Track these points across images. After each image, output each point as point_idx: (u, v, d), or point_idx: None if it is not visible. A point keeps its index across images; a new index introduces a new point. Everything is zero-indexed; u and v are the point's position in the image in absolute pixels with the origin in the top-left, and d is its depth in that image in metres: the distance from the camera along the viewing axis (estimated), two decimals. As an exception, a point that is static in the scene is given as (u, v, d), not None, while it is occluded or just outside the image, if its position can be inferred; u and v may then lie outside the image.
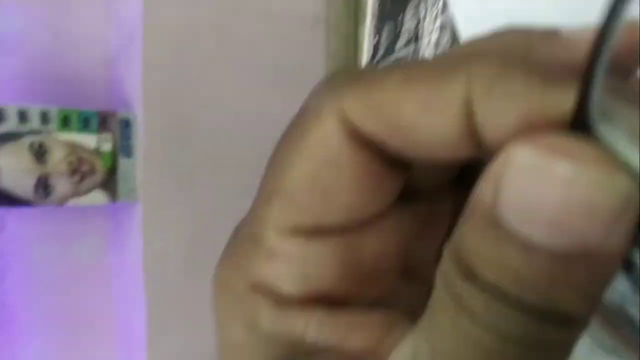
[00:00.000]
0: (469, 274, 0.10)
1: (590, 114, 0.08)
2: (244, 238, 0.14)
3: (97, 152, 1.12)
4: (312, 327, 0.12)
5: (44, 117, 1.09)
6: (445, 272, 0.10)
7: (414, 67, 0.13)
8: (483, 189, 0.10)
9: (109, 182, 1.12)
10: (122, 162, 1.12)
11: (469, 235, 0.10)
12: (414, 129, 0.11)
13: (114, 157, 1.12)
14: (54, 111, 1.09)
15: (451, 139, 0.11)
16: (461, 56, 0.12)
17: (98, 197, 1.09)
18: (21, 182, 1.02)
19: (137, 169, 1.12)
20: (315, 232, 0.12)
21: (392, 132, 0.12)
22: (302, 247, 0.13)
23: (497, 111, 0.10)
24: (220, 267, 0.14)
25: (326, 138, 0.12)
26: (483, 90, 0.10)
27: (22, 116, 1.06)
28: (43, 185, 1.03)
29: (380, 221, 0.13)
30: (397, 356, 0.11)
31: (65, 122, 1.10)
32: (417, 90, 0.11)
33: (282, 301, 0.12)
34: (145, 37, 1.17)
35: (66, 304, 1.04)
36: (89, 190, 1.09)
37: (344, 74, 0.13)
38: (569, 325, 0.10)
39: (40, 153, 1.06)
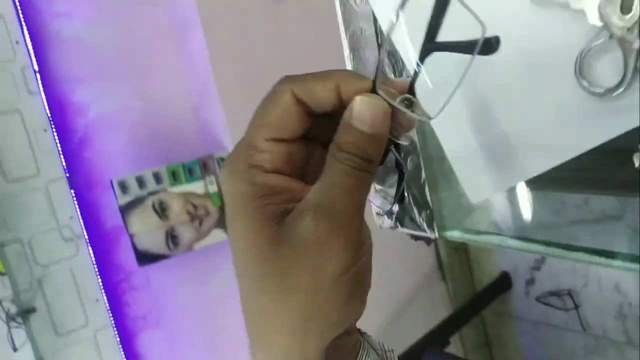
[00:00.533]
0: (340, 148, 0.26)
1: (375, 88, 0.27)
2: (243, 145, 0.27)
3: (206, 195, 1.25)
4: (277, 181, 0.27)
5: (157, 177, 1.24)
6: (330, 148, 0.26)
7: (322, 73, 0.28)
8: (345, 114, 0.27)
9: (224, 219, 1.24)
10: (229, 198, 1.24)
11: (341, 133, 0.26)
12: (319, 98, 0.27)
13: (220, 195, 1.24)
14: (163, 170, 1.24)
15: (331, 102, 0.27)
16: (336, 70, 0.28)
17: (218, 235, 1.23)
18: (153, 240, 1.18)
19: (242, 201, 1.24)
20: (279, 140, 0.27)
21: (311, 99, 0.27)
22: (274, 147, 0.27)
23: (350, 90, 0.27)
24: (228, 161, 0.27)
25: (286, 101, 0.27)
26: (345, 82, 0.27)
27: (140, 182, 1.22)
28: (171, 237, 1.19)
29: (303, 141, 0.29)
30: (312, 190, 0.26)
31: (174, 177, 1.25)
32: (320, 82, 0.27)
33: (266, 171, 0.27)
34: (217, 78, 1.27)
35: (218, 337, 1.19)
36: (208, 231, 1.23)
37: (293, 76, 0.28)
38: (373, 164, 0.27)
39: (162, 209, 1.21)
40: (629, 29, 0.26)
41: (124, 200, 1.19)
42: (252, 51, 1.29)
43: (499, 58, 0.33)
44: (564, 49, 0.30)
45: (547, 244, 0.36)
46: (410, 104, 0.28)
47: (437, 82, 0.30)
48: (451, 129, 0.38)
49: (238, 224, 0.26)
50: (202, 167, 1.26)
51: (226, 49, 1.28)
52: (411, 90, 0.28)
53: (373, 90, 0.27)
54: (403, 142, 0.29)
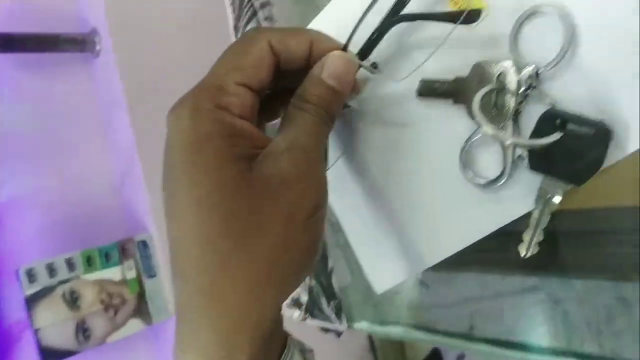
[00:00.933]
0: (305, 100, 0.27)
1: (347, 47, 0.29)
2: (209, 86, 0.26)
3: (123, 281, 1.17)
4: (244, 125, 0.26)
5: (70, 264, 1.15)
6: (294, 101, 0.28)
7: (296, 28, 0.32)
8: (315, 69, 0.28)
9: (141, 307, 1.16)
10: (148, 284, 1.16)
11: (308, 86, 0.28)
12: (294, 51, 0.28)
13: (139, 281, 1.17)
14: (77, 255, 1.15)
15: (304, 57, 0.28)
16: (308, 28, 0.31)
17: (134, 326, 1.13)
18: (61, 334, 1.07)
19: (164, 287, 1.17)
20: (248, 87, 0.27)
21: (286, 52, 0.28)
22: (243, 92, 0.26)
23: (322, 47, 0.29)
24: (189, 99, 0.26)
25: (262, 49, 0.27)
26: (318, 40, 0.29)
27: (50, 269, 1.12)
28: (82, 330, 1.08)
29: (259, 94, 0.28)
30: (277, 137, 0.27)
31: (89, 263, 1.16)
32: (296, 36, 0.28)
33: (233, 114, 0.26)
34: (142, 158, 1.23)
35: None
36: (124, 321, 1.14)
37: (267, 27, 0.31)
38: (333, 119, 0.28)
39: (73, 299, 1.11)
40: (501, 127, 0.27)
41: (30, 290, 1.08)
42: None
43: (391, 148, 0.34)
44: (449, 142, 0.30)
45: (450, 335, 0.35)
46: (375, 67, 0.30)
47: (392, 52, 0.32)
48: (354, 218, 0.38)
49: (200, 162, 0.24)
50: (120, 252, 1.19)
51: (151, 130, 1.26)
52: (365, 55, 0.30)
53: (344, 50, 0.29)
54: (353, 105, 0.31)
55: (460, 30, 0.28)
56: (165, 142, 0.26)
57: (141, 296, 1.16)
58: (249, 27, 0.42)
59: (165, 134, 0.27)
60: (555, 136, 0.24)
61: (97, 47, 1.26)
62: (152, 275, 1.18)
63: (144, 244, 1.21)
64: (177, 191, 0.24)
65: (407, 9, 0.29)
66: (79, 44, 1.27)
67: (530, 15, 0.26)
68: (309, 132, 0.27)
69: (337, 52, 0.28)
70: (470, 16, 0.26)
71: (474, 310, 0.35)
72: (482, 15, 0.27)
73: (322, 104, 0.27)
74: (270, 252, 0.24)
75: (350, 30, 0.29)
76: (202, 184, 0.24)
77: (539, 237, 0.27)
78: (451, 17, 0.27)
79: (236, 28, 0.44)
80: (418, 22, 0.30)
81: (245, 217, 0.24)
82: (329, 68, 0.28)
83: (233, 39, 0.46)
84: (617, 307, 0.27)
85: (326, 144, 0.30)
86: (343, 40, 0.29)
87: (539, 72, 0.26)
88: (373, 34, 0.30)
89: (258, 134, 0.27)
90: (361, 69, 0.30)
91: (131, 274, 1.17)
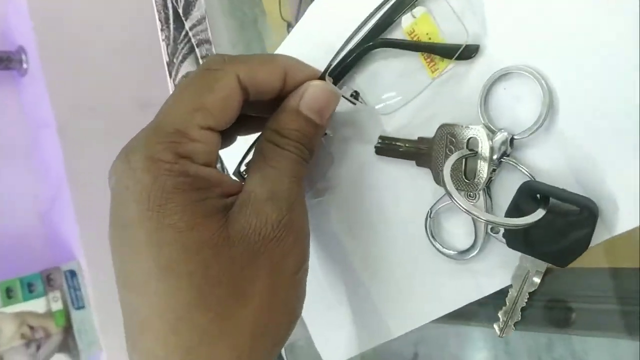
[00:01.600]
0: (282, 135, 0.23)
1: (325, 76, 0.25)
2: (167, 130, 0.21)
3: (48, 314, 1.04)
4: (211, 173, 0.22)
5: (-14, 296, 1.01)
6: (268, 135, 0.24)
7: (267, 56, 0.27)
8: (292, 99, 0.24)
9: (68, 342, 1.04)
10: (77, 316, 1.04)
11: (285, 119, 0.24)
12: (264, 84, 0.23)
13: (66, 313, 1.05)
14: (-6, 287, 1.02)
15: (276, 89, 0.24)
16: (280, 55, 0.27)
17: (59, 362, 1.01)
18: (-27, 376, 0.93)
19: (93, 319, 1.05)
20: (213, 129, 0.22)
21: (256, 85, 0.23)
22: (208, 135, 0.22)
23: (297, 77, 0.24)
24: (144, 147, 0.21)
25: (229, 85, 0.22)
26: (292, 68, 0.24)
27: (-36, 303, 0.99)
28: (-2, 371, 0.95)
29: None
30: (253, 180, 0.23)
31: (9, 295, 1.02)
32: (267, 66, 0.24)
33: (197, 163, 0.22)
34: (71, 181, 1.11)
35: None
36: (48, 357, 1.01)
37: (232, 56, 0.24)
38: (312, 155, 0.24)
39: (-11, 335, 0.98)
40: (472, 195, 0.23)
41: (-61, 327, 0.94)
42: (112, 157, 1.16)
43: (354, 214, 0.29)
44: (414, 205, 0.26)
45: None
46: (356, 96, 0.26)
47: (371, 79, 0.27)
48: (307, 286, 0.32)
49: (166, 223, 0.19)
50: (45, 282, 1.06)
51: (83, 151, 1.14)
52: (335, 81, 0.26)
53: (321, 79, 0.24)
54: (329, 132, 0.27)
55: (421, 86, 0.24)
56: (113, 195, 0.21)
57: (68, 330, 1.04)
58: (185, 64, 0.36)
59: (110, 179, 0.21)
60: (538, 214, 0.20)
61: (24, 66, 1.14)
62: (80, 306, 1.06)
63: (71, 273, 1.09)
64: (136, 255, 0.20)
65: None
66: (3, 61, 1.14)
67: (500, 77, 0.22)
68: (290, 175, 0.22)
69: (316, 82, 0.24)
70: (468, 51, 0.22)
71: (418, 338, 0.31)
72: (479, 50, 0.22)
73: (303, 140, 0.23)
74: (254, 319, 0.20)
75: (328, 55, 0.24)
76: (170, 249, 0.19)
77: (516, 317, 0.23)
78: (445, 51, 0.23)
79: (170, 64, 0.38)
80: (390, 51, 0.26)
81: (226, 283, 0.20)
82: (309, 100, 0.23)
83: (166, 71, 0.40)
84: (557, 335, 0.23)
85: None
86: (316, 64, 0.25)
87: (514, 138, 0.22)
88: (347, 57, 0.25)
89: (226, 179, 0.22)
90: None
91: (57, 306, 1.04)
